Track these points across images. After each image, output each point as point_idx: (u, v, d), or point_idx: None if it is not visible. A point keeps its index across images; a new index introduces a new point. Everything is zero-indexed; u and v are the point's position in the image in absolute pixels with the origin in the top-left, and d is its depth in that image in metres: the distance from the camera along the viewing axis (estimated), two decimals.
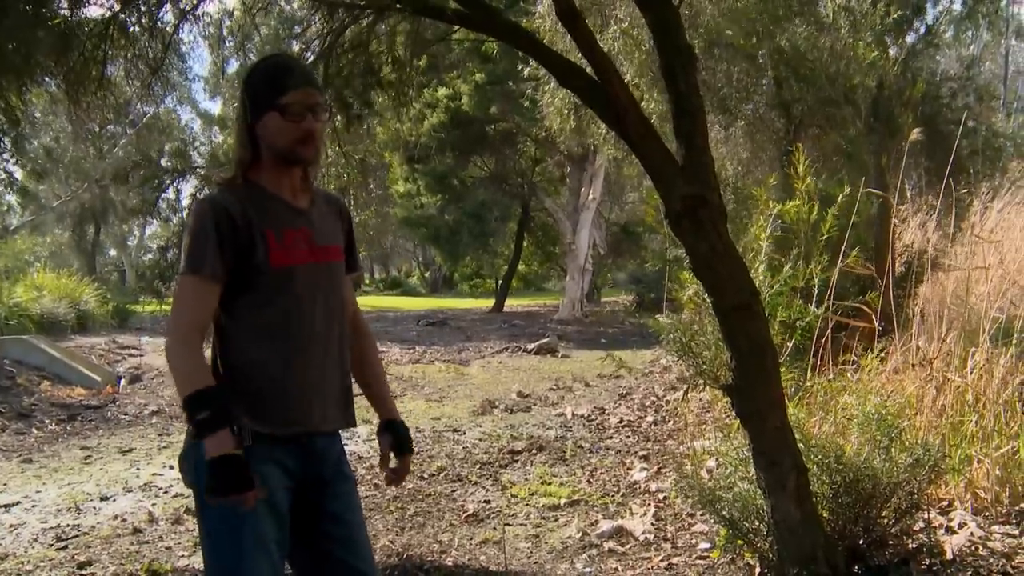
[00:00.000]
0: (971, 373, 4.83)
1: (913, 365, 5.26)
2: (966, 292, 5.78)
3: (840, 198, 5.39)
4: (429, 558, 4.44)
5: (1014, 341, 4.81)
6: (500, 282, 28.33)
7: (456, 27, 4.05)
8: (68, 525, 5.31)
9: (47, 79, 4.20)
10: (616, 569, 4.17)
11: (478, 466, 6.45)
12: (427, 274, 45.96)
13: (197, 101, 58.38)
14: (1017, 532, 4.06)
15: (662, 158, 3.20)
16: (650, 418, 8.11)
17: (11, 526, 5.31)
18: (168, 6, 4.04)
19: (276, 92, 2.22)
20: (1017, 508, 4.24)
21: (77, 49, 3.66)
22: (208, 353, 2.26)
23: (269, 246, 2.22)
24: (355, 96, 4.55)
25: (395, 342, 16.67)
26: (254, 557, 2.18)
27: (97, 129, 28.45)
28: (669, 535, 4.60)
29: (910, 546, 3.75)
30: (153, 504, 5.78)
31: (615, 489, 5.64)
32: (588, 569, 4.20)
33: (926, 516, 3.94)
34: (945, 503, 4.46)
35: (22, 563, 4.63)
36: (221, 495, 2.08)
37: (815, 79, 7.15)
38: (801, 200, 5.48)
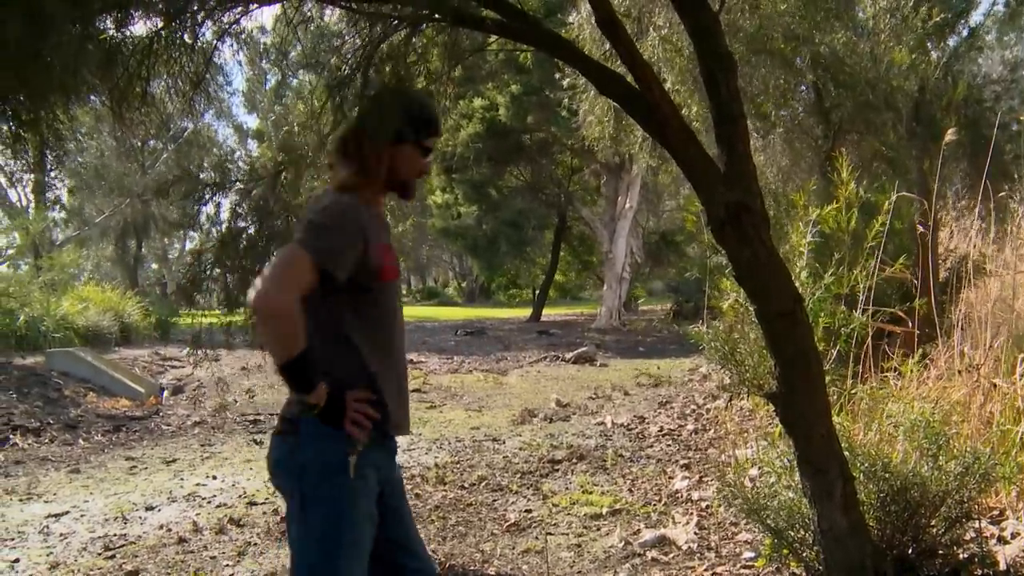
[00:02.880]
0: (1019, 380, 4.74)
1: (959, 372, 5.17)
2: (1012, 297, 5.69)
3: (887, 205, 5.32)
4: (471, 568, 4.44)
5: None
6: (537, 291, 28.34)
7: (494, 37, 4.06)
8: (115, 534, 5.38)
9: (92, 96, 4.27)
10: None
11: (519, 475, 6.45)
12: (463, 284, 46.10)
13: (235, 115, 59.14)
14: None
15: (704, 165, 3.18)
16: (690, 427, 8.05)
17: (61, 535, 5.39)
18: (209, 23, 4.10)
19: (425, 131, 2.48)
20: None
21: (122, 66, 3.73)
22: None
23: (384, 260, 2.36)
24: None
25: (433, 352, 16.72)
26: (351, 560, 2.27)
27: (139, 144, 28.93)
28: (713, 544, 4.56)
29: (961, 556, 3.68)
30: (197, 514, 5.84)
31: (657, 498, 5.61)
32: None
33: (977, 525, 3.87)
34: (996, 512, 4.38)
35: (72, 572, 4.70)
36: (338, 423, 2.25)
37: (855, 84, 7.08)
38: (841, 205, 5.43)
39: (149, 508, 6.02)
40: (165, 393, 11.62)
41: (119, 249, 34.61)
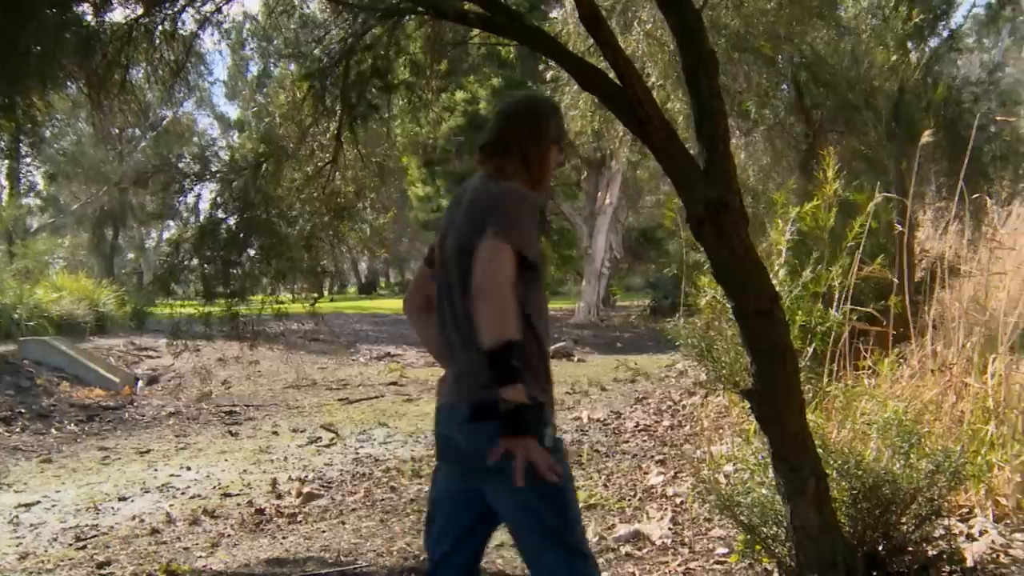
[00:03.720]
0: (991, 379, 4.79)
1: (932, 371, 5.23)
2: (985, 298, 5.75)
3: (870, 205, 5.36)
4: None
5: None
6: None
7: (476, 31, 4.05)
8: (87, 525, 5.35)
9: (69, 83, 4.23)
10: (633, 573, 4.16)
11: None
12: None
13: (217, 105, 58.72)
14: None
15: (684, 162, 3.19)
16: (667, 422, 8.09)
17: (31, 525, 5.35)
18: (190, 10, 4.07)
19: (564, 134, 2.80)
20: None
21: (100, 53, 3.69)
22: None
23: (540, 244, 2.56)
24: (374, 99, 4.57)
25: (411, 345, 16.70)
26: (579, 527, 2.46)
27: (117, 132, 28.66)
28: (686, 540, 4.58)
29: (930, 553, 3.72)
30: (171, 505, 5.81)
31: (632, 493, 5.63)
32: (605, 573, 4.19)
33: (946, 523, 3.91)
34: (965, 510, 4.43)
35: (43, 562, 4.67)
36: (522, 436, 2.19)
37: (835, 83, 7.12)
38: (820, 203, 5.46)
39: (122, 499, 5.99)
40: (140, 383, 11.56)
41: (95, 237, 34.34)
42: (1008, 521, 4.25)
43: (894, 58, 7.00)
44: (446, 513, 2.58)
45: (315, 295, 5.60)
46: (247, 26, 37.21)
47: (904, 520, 3.63)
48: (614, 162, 20.34)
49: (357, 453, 7.32)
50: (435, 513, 2.61)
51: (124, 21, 3.64)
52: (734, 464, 4.42)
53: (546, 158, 2.65)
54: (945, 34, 7.91)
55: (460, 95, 20.45)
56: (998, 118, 7.23)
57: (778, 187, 7.17)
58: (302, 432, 8.33)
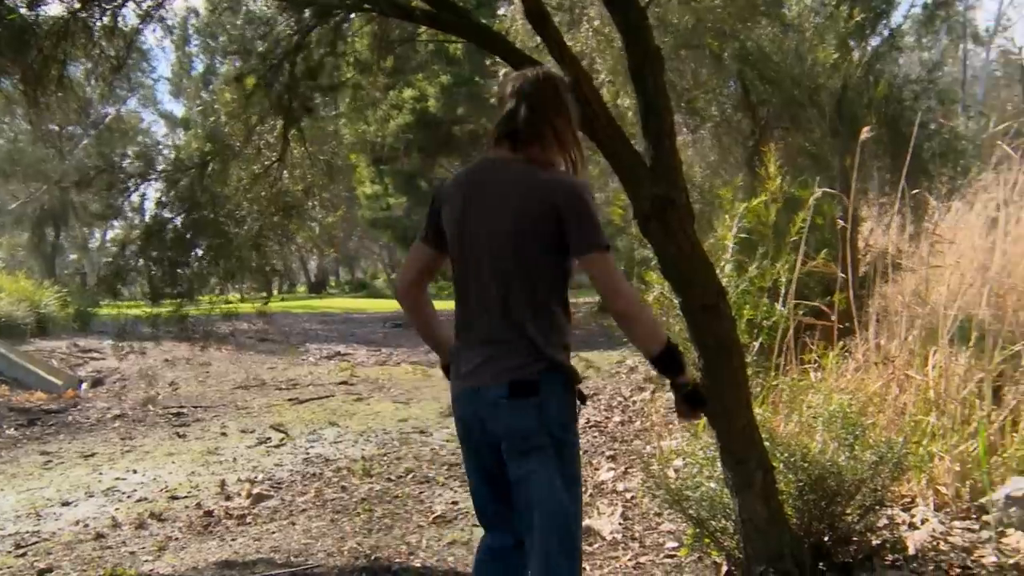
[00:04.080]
0: (932, 371, 4.90)
1: (876, 364, 5.32)
2: (926, 292, 5.87)
3: (811, 200, 5.44)
4: (397, 560, 4.43)
5: (972, 340, 4.88)
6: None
7: (423, 28, 4.04)
8: (28, 531, 5.23)
9: (3, 78, 4.14)
10: (584, 569, 4.17)
11: (446, 467, 6.44)
12: (393, 276, 45.77)
13: (161, 102, 57.85)
14: (977, 527, 4.13)
15: (631, 159, 3.22)
16: (617, 418, 8.13)
17: None
18: (131, 5, 4.00)
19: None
20: (976, 504, 4.30)
21: (35, 47, 3.61)
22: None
23: None
24: (321, 96, 4.54)
25: (361, 344, 16.61)
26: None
27: (57, 130, 28.05)
28: (637, 534, 4.62)
29: (874, 543, 3.79)
30: (116, 509, 5.71)
31: (582, 489, 5.65)
32: None
33: (889, 513, 3.99)
34: (908, 500, 4.52)
35: None
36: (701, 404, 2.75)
37: (780, 81, 7.21)
38: (764, 199, 5.53)
39: (65, 504, 5.87)
40: (84, 386, 11.33)
41: (35, 237, 33.60)
42: (948, 509, 4.35)
43: (836, 56, 7.11)
44: (484, 495, 2.75)
45: (265, 295, 5.57)
46: (192, 22, 36.62)
47: (849, 511, 3.69)
48: None
49: (307, 453, 7.25)
50: (477, 502, 2.80)
51: (60, 15, 3.56)
52: (683, 459, 4.46)
53: (577, 138, 2.62)
54: (886, 33, 8.06)
55: (408, 93, 20.34)
56: (938, 114, 7.39)
57: (725, 183, 7.24)
58: (251, 433, 8.23)
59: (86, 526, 5.34)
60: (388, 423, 8.53)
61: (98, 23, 3.57)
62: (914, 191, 6.42)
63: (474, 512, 2.84)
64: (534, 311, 2.51)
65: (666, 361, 2.55)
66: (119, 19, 3.76)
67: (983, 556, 3.80)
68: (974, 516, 4.26)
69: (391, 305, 29.16)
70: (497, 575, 2.77)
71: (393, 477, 6.25)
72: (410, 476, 6.26)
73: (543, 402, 2.48)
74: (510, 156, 2.55)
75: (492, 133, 2.62)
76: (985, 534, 4.02)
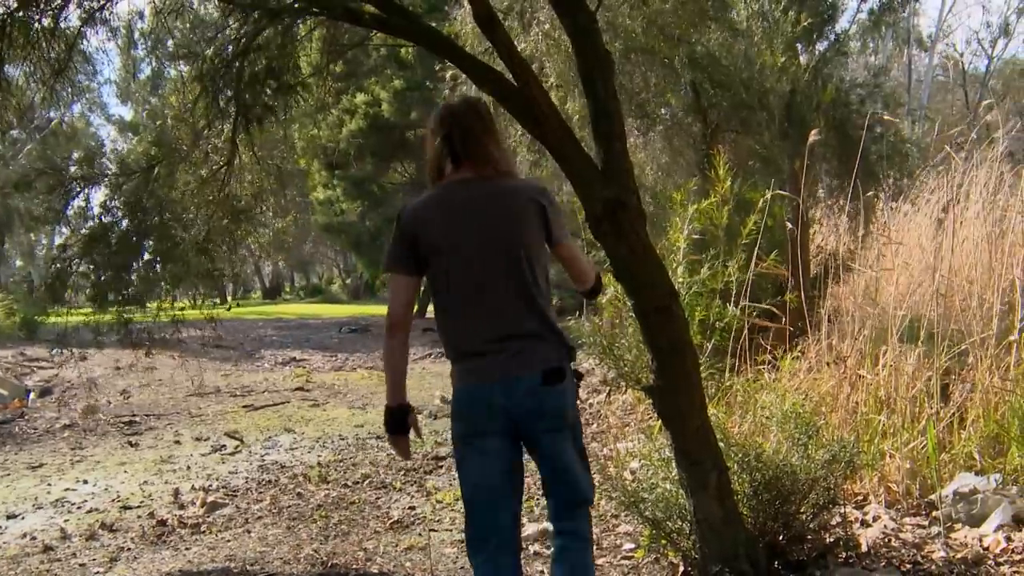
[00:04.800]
0: (882, 371, 4.97)
1: (828, 364, 5.39)
2: (876, 292, 5.96)
3: (761, 203, 5.50)
4: (354, 566, 4.39)
5: (921, 340, 4.96)
6: (423, 288, 28.17)
7: (374, 31, 4.00)
8: None
9: None
10: (542, 571, 4.18)
11: (402, 473, 6.40)
12: (348, 281, 45.46)
13: (108, 106, 56.90)
14: (926, 523, 4.19)
15: (582, 162, 3.22)
16: None
17: None
18: (72, 6, 3.91)
19: None
20: (926, 500, 4.37)
21: None
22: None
23: None
24: (270, 101, 4.48)
25: (317, 349, 16.49)
26: None
27: None
28: (594, 536, 4.61)
29: (827, 540, 3.83)
30: (65, 520, 5.60)
31: (539, 492, 5.64)
32: None
33: (842, 511, 4.04)
34: (860, 497, 4.58)
35: None
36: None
37: (730, 84, 7.28)
38: (715, 201, 5.58)
39: (11, 516, 5.74)
40: (31, 395, 11.10)
41: None
42: (899, 506, 4.42)
43: (782, 60, 7.19)
44: (497, 485, 2.82)
45: (227, 301, 5.50)
46: (138, 26, 36.03)
47: (803, 510, 3.73)
48: (519, 163, 20.40)
49: (263, 460, 7.17)
50: (483, 496, 2.84)
51: None
52: (640, 461, 4.48)
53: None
54: (832, 37, 8.16)
55: (361, 97, 20.22)
56: (885, 117, 7.49)
57: (676, 186, 7.30)
58: (205, 440, 8.12)
59: (33, 539, 5.23)
60: (344, 429, 8.46)
61: (35, 23, 3.48)
62: (866, 193, 6.51)
63: (474, 537, 2.86)
64: (546, 300, 2.83)
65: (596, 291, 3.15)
66: (60, 20, 3.68)
67: (933, 551, 3.86)
68: (924, 512, 4.32)
69: (346, 310, 29.02)
70: None
71: (350, 483, 6.21)
72: (367, 482, 6.21)
73: (567, 387, 2.79)
74: (475, 175, 2.77)
75: (435, 164, 2.82)
76: (934, 529, 4.08)
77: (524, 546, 4.54)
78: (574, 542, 2.89)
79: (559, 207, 2.86)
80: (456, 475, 2.93)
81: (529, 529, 4.74)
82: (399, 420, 2.87)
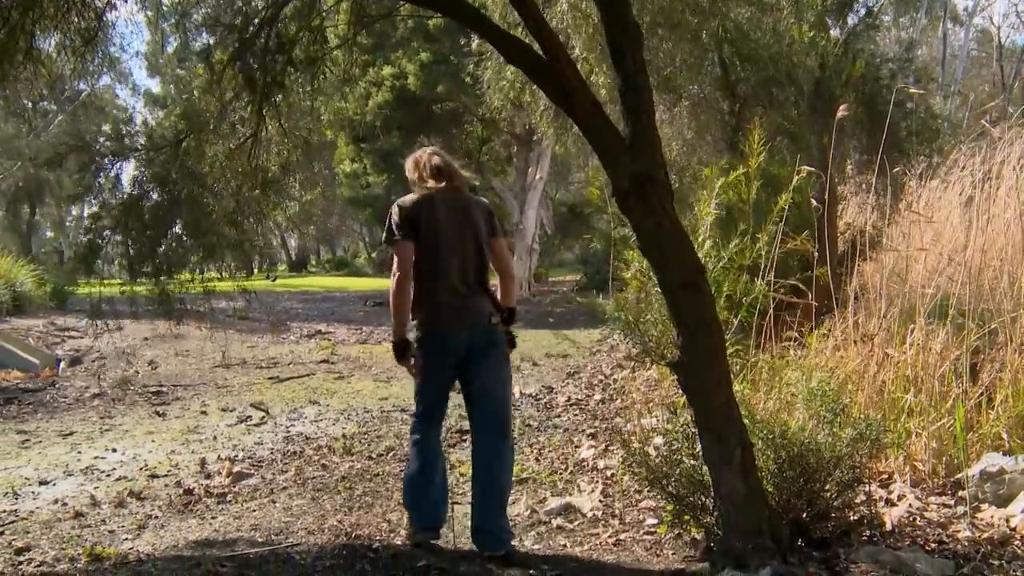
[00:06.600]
0: (909, 349, 4.93)
1: (855, 342, 5.35)
2: (905, 270, 5.90)
3: (795, 180, 5.44)
4: (377, 538, 4.42)
5: (949, 318, 4.92)
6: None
7: (401, 2, 3.99)
8: (5, 510, 5.20)
9: None
10: (565, 546, 4.20)
11: None
12: (374, 254, 45.56)
13: (137, 78, 57.05)
14: (952, 503, 4.17)
15: (609, 136, 3.20)
16: (598, 397, 8.16)
17: None
18: None
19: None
20: (952, 480, 4.35)
21: (2, 18, 3.53)
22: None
23: None
24: (296, 72, 4.48)
25: (342, 323, 16.56)
26: None
27: (31, 105, 27.66)
28: (617, 512, 4.64)
29: (851, 518, 3.82)
30: (95, 487, 5.68)
31: (563, 467, 5.67)
32: (537, 546, 4.22)
33: (867, 489, 4.02)
34: (885, 476, 4.56)
35: None
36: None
37: (758, 59, 7.19)
38: (741, 175, 5.52)
39: (43, 483, 5.83)
40: (62, 364, 11.23)
41: (10, 215, 33.25)
42: (924, 485, 4.39)
43: (811, 34, 7.09)
44: (442, 393, 4.17)
45: (266, 272, 5.52)
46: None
47: (827, 487, 3.71)
48: (544, 137, 20.30)
49: (288, 431, 7.24)
50: (437, 395, 4.17)
51: None
52: (663, 437, 4.48)
53: None
54: (862, 11, 8.03)
55: (388, 70, 20.15)
56: (911, 90, 7.36)
57: (702, 161, 7.24)
58: (231, 411, 8.20)
59: (64, 505, 5.31)
60: (369, 401, 8.52)
61: None
62: (893, 169, 6.43)
63: (426, 412, 4.18)
64: (487, 273, 4.16)
65: (512, 314, 4.22)
66: None
67: (958, 531, 3.84)
68: (950, 492, 4.30)
69: (371, 284, 29.11)
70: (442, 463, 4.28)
71: (374, 455, 6.25)
72: (391, 454, 6.25)
73: (496, 327, 4.12)
74: (447, 188, 4.09)
75: (423, 181, 4.12)
76: (960, 509, 4.06)
77: (548, 520, 4.58)
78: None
79: (496, 217, 4.31)
80: None
81: (552, 504, 4.76)
82: (402, 350, 4.05)
